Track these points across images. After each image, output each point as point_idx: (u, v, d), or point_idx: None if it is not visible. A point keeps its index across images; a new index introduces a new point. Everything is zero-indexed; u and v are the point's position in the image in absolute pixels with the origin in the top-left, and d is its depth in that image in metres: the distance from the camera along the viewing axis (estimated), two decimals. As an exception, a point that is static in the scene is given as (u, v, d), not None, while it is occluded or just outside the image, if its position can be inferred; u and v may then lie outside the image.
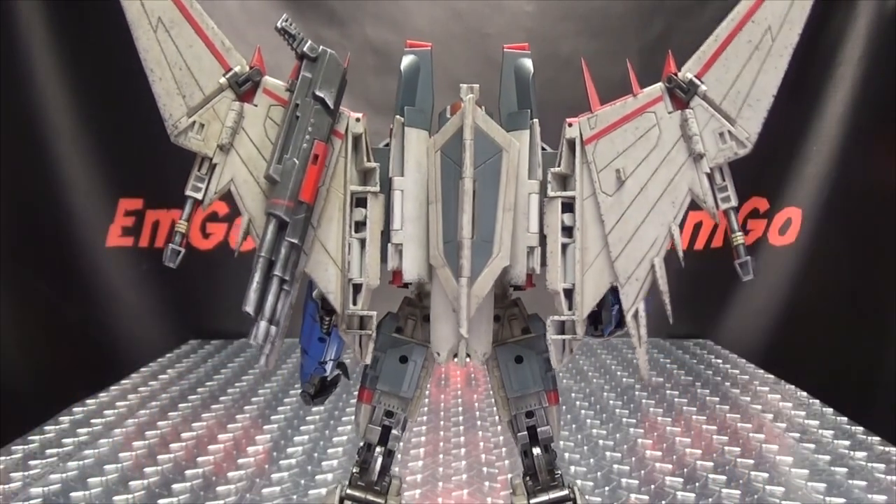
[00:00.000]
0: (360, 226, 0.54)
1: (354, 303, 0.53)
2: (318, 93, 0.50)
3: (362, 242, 0.53)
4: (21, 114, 1.70)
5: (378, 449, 0.59)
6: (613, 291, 0.53)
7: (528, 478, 0.60)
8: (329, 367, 0.59)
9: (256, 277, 0.48)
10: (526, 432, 0.59)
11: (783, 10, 0.50)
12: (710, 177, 0.52)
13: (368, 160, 0.53)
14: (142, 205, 1.86)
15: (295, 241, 0.49)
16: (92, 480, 0.98)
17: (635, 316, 0.52)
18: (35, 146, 1.73)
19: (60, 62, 1.74)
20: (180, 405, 1.34)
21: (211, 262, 1.87)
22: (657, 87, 0.53)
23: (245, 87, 0.51)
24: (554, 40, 1.82)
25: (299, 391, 0.61)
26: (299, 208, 0.49)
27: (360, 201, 0.53)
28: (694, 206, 0.53)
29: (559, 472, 0.60)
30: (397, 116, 0.54)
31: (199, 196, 0.52)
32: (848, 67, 1.79)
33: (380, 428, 0.59)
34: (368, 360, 0.55)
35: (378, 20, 1.81)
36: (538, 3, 1.87)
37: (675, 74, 0.52)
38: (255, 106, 0.52)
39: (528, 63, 0.55)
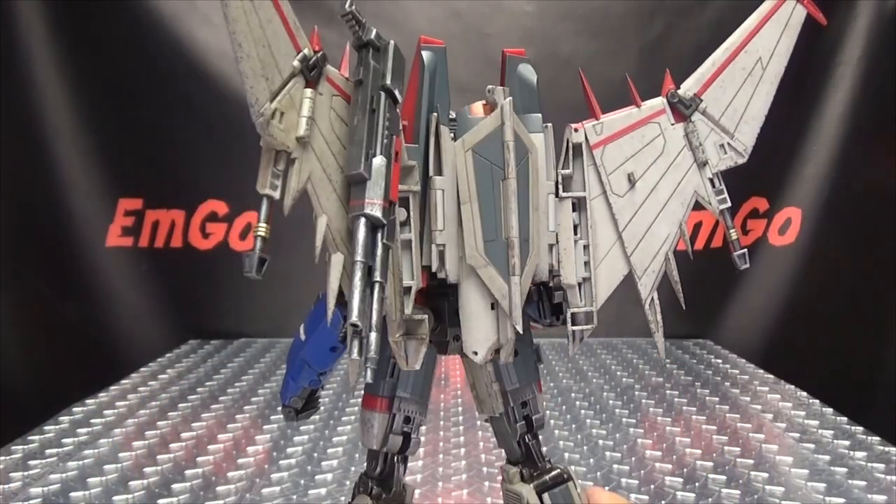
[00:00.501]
0: (400, 226, 0.50)
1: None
2: (389, 85, 0.47)
3: (403, 243, 0.50)
4: (21, 114, 1.70)
5: (397, 457, 0.58)
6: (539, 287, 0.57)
7: (520, 465, 0.60)
8: (325, 378, 0.58)
9: (359, 285, 0.43)
10: (524, 422, 0.60)
11: (772, 44, 0.58)
12: (711, 181, 0.58)
13: (409, 158, 0.51)
14: (142, 205, 1.86)
15: (392, 244, 0.46)
16: (92, 480, 0.98)
17: (651, 304, 0.57)
18: (35, 146, 1.73)
19: (60, 62, 1.74)
20: (180, 405, 1.34)
21: (211, 262, 1.87)
22: (659, 101, 0.58)
23: (313, 74, 0.47)
24: (554, 40, 1.82)
25: (282, 408, 0.58)
26: (391, 209, 0.46)
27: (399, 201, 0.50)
28: (693, 207, 0.58)
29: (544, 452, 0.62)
30: (433, 114, 0.52)
31: (276, 195, 0.45)
32: (848, 67, 1.79)
33: (401, 436, 0.57)
34: (418, 366, 0.53)
35: (378, 20, 1.81)
36: (538, 3, 1.87)
37: (676, 90, 0.58)
38: (321, 95, 0.47)
39: (530, 69, 0.56)
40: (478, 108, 0.54)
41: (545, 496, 0.59)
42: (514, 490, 0.60)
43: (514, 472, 0.61)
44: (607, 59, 1.78)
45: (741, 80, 0.58)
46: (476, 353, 0.54)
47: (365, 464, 0.59)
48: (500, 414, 0.61)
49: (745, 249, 0.58)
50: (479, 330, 0.53)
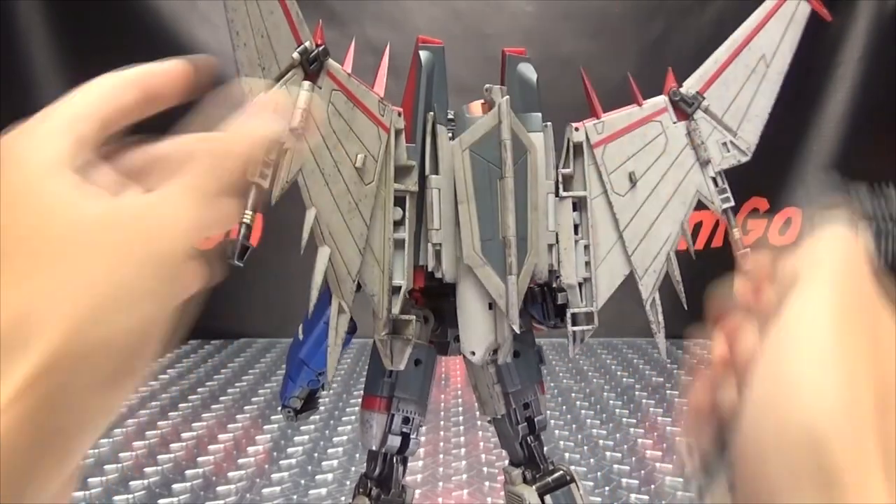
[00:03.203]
0: (394, 225, 0.51)
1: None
2: None
3: (396, 243, 0.51)
4: (21, 114, 1.70)
5: (396, 458, 0.58)
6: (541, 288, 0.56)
7: (523, 467, 0.60)
8: (323, 378, 0.57)
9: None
10: (526, 423, 0.60)
11: (776, 42, 0.58)
12: (714, 180, 0.58)
13: (409, 157, 0.51)
14: (142, 205, 1.86)
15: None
16: (92, 480, 0.98)
17: (652, 304, 0.57)
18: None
19: (60, 62, 1.74)
20: (180, 405, 1.34)
21: (210, 262, 1.87)
22: (660, 100, 0.57)
23: (314, 67, 0.46)
24: (554, 40, 1.82)
25: (281, 409, 0.58)
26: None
27: (394, 200, 0.51)
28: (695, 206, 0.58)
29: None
30: (430, 113, 0.52)
31: (265, 183, 0.44)
32: (848, 67, 1.79)
33: (400, 436, 0.57)
34: (402, 367, 0.53)
35: (378, 20, 1.81)
36: (538, 3, 1.87)
37: (679, 89, 0.57)
38: (320, 88, 0.47)
39: (531, 68, 0.56)
40: (476, 107, 0.54)
41: (547, 498, 0.58)
42: (515, 492, 0.60)
43: (517, 474, 0.61)
44: (607, 59, 1.78)
45: (744, 78, 0.58)
46: (474, 353, 0.54)
47: (365, 464, 0.59)
48: (503, 415, 0.61)
49: (748, 249, 0.57)
50: (477, 330, 0.53)
